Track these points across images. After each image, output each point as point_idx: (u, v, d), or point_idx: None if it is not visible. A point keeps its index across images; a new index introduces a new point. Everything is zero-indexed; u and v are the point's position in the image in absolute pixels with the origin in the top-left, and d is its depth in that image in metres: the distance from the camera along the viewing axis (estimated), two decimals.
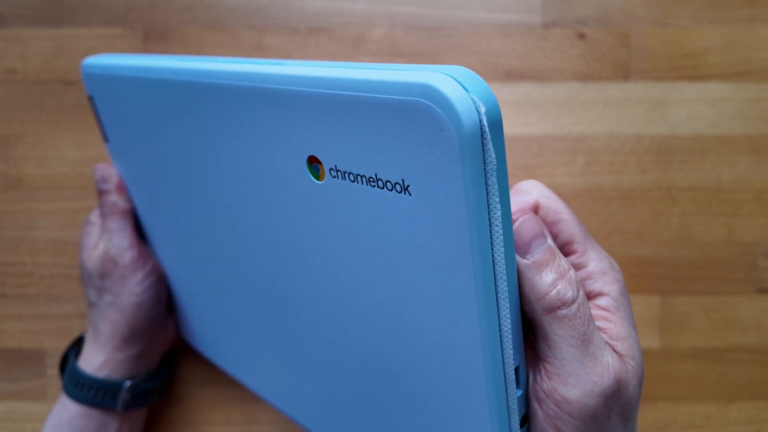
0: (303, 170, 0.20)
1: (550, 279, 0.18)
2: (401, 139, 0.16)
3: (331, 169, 0.19)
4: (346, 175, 0.18)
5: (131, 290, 0.32)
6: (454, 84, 0.15)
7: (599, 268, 0.20)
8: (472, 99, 0.15)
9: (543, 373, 0.19)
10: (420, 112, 0.15)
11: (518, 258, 0.18)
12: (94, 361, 0.33)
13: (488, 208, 0.16)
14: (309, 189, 0.20)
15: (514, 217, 0.18)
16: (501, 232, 0.16)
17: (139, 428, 0.36)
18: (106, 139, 0.32)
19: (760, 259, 0.39)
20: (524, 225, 0.18)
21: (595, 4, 0.38)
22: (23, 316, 0.40)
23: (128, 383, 0.33)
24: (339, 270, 0.21)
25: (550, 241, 0.18)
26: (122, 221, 0.33)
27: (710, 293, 0.39)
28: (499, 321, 0.17)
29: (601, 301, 0.20)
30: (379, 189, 0.17)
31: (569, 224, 0.20)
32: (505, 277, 0.17)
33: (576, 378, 0.18)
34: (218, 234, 0.28)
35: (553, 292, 0.18)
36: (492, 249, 0.16)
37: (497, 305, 0.17)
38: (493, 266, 0.17)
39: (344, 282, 0.21)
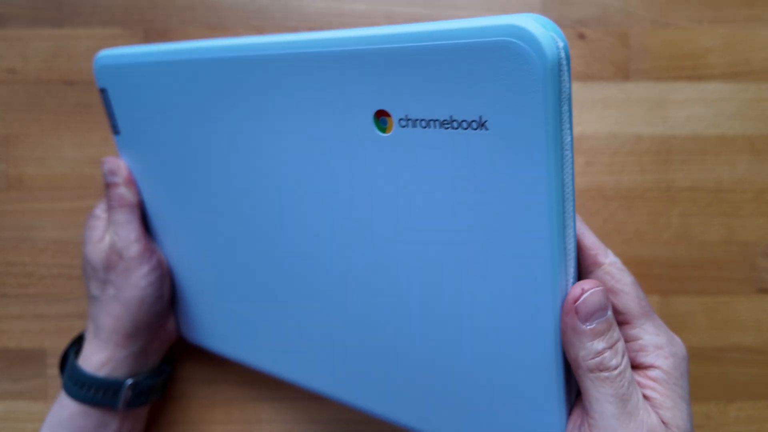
0: (369, 126, 0.21)
1: (600, 347, 0.19)
2: (481, 78, 0.18)
3: (400, 119, 0.20)
4: (418, 122, 0.20)
5: (136, 283, 0.32)
6: (535, 23, 0.17)
7: (654, 343, 0.21)
8: (551, 35, 0.17)
9: (586, 426, 0.20)
10: (505, 50, 0.17)
11: (578, 323, 0.19)
12: (94, 359, 0.33)
13: (561, 133, 0.18)
14: (375, 143, 0.21)
15: (586, 286, 0.20)
16: (570, 155, 0.18)
17: (140, 427, 0.36)
18: (116, 131, 0.32)
19: (759, 259, 0.39)
20: (593, 297, 0.19)
21: (594, 4, 0.39)
22: (24, 316, 0.40)
23: (129, 381, 0.33)
24: (404, 221, 0.22)
25: (610, 313, 0.20)
26: (130, 214, 0.32)
27: (710, 293, 0.39)
28: (564, 237, 0.19)
29: (652, 373, 0.21)
30: (454, 130, 0.19)
31: (628, 298, 0.22)
32: (571, 198, 0.19)
33: None
34: (247, 214, 0.28)
35: (599, 358, 0.19)
36: (562, 171, 0.18)
37: (564, 222, 0.19)
38: (563, 187, 0.18)
39: (411, 231, 0.22)
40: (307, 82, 0.21)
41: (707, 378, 0.39)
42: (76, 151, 0.39)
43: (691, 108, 0.39)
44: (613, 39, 0.39)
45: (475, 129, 0.18)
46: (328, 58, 0.20)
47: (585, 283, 0.20)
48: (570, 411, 0.21)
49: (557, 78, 0.17)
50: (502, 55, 0.17)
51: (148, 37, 0.39)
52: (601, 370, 0.19)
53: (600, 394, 0.19)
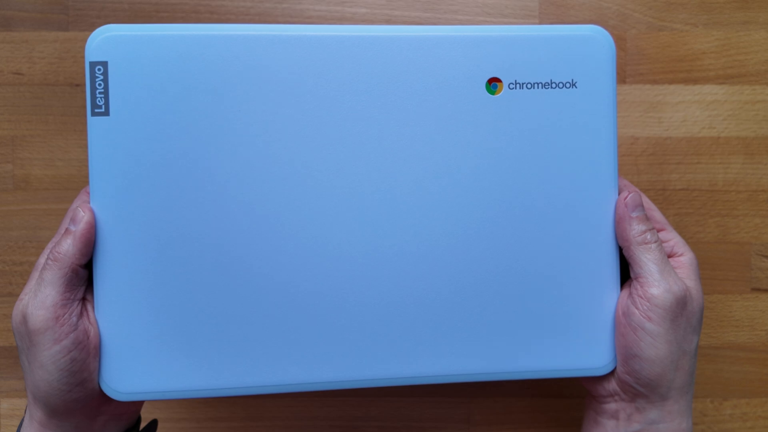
0: (481, 90, 0.29)
1: (643, 227, 0.29)
2: (575, 55, 0.30)
3: (510, 83, 0.29)
4: (524, 85, 0.29)
5: (43, 364, 0.26)
6: (603, 30, 0.30)
7: (681, 242, 0.31)
8: (609, 34, 0.30)
9: (637, 285, 0.29)
10: (591, 40, 0.30)
11: (627, 212, 0.29)
12: None
13: (615, 87, 0.30)
14: (485, 103, 0.29)
15: (631, 190, 0.30)
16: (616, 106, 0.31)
17: None
18: (102, 113, 0.29)
19: (754, 259, 0.40)
20: (634, 196, 0.30)
21: (591, 8, 0.39)
22: None
23: None
24: (502, 157, 0.30)
25: (644, 209, 0.30)
26: (58, 273, 0.27)
27: (705, 292, 0.40)
28: (617, 160, 0.31)
29: (682, 258, 0.30)
30: (552, 89, 0.30)
31: (659, 213, 0.32)
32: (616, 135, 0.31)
33: (658, 282, 0.28)
34: (290, 200, 0.29)
35: (643, 235, 0.29)
36: (616, 113, 0.31)
37: (615, 150, 0.30)
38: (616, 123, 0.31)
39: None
40: (430, 55, 0.29)
41: (702, 375, 0.40)
42: (82, 152, 0.40)
43: (686, 110, 0.39)
44: None
45: (568, 87, 0.30)
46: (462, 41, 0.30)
47: (628, 188, 0.31)
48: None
49: (615, 56, 0.30)
50: (587, 42, 0.30)
51: None
52: (646, 243, 0.29)
53: (647, 259, 0.29)
